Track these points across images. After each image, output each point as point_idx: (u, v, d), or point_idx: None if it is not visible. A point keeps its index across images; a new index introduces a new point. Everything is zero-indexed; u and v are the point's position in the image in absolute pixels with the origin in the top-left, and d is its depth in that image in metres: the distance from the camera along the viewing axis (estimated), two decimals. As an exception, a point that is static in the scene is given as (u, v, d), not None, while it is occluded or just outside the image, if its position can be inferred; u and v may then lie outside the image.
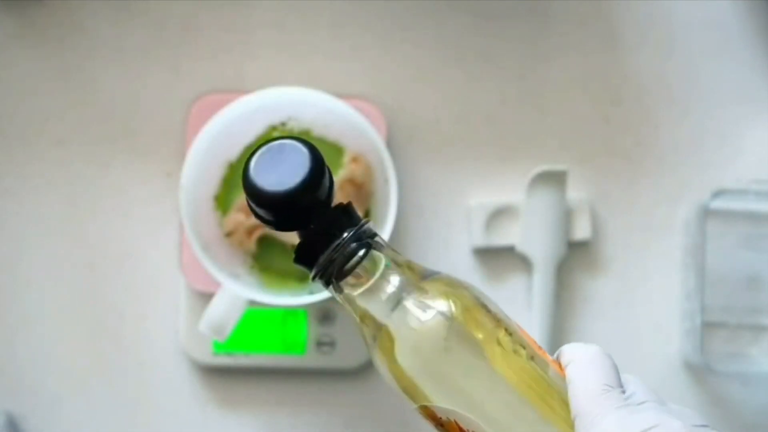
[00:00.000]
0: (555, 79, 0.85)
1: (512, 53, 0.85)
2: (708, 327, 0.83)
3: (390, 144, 0.82)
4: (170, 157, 0.82)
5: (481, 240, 0.83)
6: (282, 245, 0.76)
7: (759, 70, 0.86)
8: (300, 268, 0.75)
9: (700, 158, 0.85)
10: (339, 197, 0.73)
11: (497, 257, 0.84)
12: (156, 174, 0.83)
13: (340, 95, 0.76)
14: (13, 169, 0.82)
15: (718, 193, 0.81)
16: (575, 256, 0.84)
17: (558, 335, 0.83)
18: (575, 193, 0.83)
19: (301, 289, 0.75)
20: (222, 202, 0.77)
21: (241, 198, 0.76)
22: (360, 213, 0.73)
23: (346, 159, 0.76)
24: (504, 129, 0.84)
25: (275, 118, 0.76)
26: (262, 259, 0.77)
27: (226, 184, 0.77)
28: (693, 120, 0.85)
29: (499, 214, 0.83)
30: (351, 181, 0.76)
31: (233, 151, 0.77)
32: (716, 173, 0.85)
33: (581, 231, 0.83)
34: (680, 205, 0.85)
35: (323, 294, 0.72)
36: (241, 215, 0.76)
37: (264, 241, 0.77)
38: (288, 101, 0.75)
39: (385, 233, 0.72)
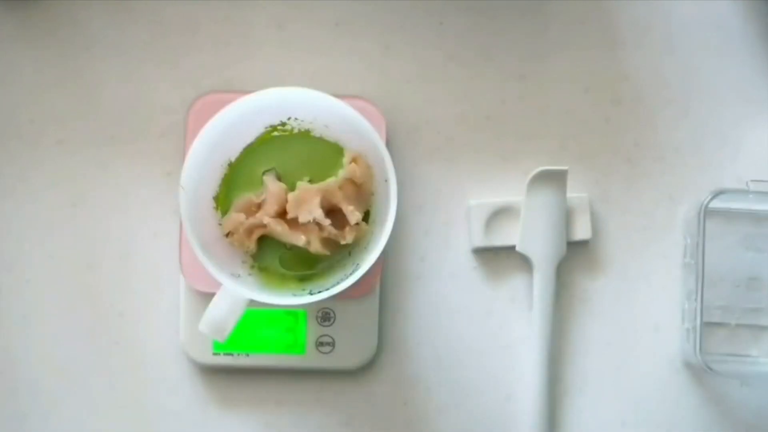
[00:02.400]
0: (555, 79, 0.85)
1: (512, 53, 0.85)
2: (708, 327, 0.83)
3: (390, 144, 0.82)
4: (170, 157, 0.82)
5: (481, 240, 0.83)
6: (282, 246, 0.76)
7: (759, 70, 0.86)
8: (299, 269, 0.75)
9: (700, 158, 0.85)
10: (339, 197, 0.74)
11: (497, 257, 0.84)
12: (156, 174, 0.83)
13: (340, 95, 0.76)
14: (13, 169, 0.82)
15: (718, 193, 0.81)
16: (575, 256, 0.84)
17: (558, 335, 0.83)
18: (575, 193, 0.83)
19: (301, 290, 0.75)
20: (222, 202, 0.77)
21: (241, 198, 0.76)
22: (360, 213, 0.73)
23: (346, 159, 0.76)
24: (504, 129, 0.84)
25: (275, 118, 0.76)
26: (262, 259, 0.77)
27: (226, 184, 0.77)
28: (693, 120, 0.85)
29: (499, 214, 0.83)
30: (351, 181, 0.75)
31: (233, 151, 0.77)
32: (716, 173, 0.85)
33: (581, 231, 0.83)
34: (680, 205, 0.85)
35: (323, 294, 0.72)
36: (241, 215, 0.76)
37: (264, 241, 0.77)
38: (288, 101, 0.75)
39: (385, 233, 0.72)
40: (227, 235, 0.76)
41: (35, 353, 0.82)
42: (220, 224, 0.76)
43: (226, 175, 0.77)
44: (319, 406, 0.83)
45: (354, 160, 0.76)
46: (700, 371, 0.83)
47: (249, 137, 0.77)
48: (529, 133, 0.85)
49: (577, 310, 0.84)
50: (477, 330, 0.83)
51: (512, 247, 0.83)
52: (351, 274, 0.72)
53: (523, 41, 0.85)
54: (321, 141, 0.77)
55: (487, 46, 0.85)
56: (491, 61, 0.85)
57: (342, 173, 0.76)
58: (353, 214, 0.74)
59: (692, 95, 0.86)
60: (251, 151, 0.77)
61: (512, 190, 0.83)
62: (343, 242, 0.75)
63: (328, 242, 0.75)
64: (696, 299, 0.81)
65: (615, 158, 0.85)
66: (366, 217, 0.76)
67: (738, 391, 0.84)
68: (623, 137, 0.85)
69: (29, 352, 0.82)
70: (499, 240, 0.83)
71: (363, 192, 0.76)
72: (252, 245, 0.76)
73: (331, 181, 0.75)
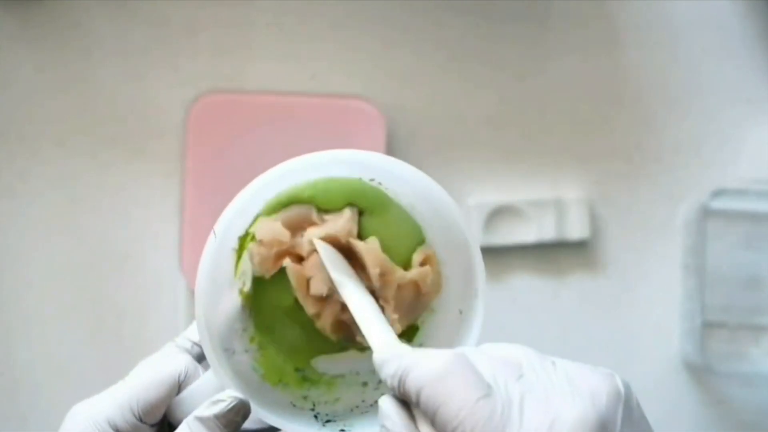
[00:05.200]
0: (555, 80, 0.85)
1: (512, 53, 0.85)
2: (708, 327, 0.83)
3: (390, 144, 0.82)
4: (170, 157, 0.82)
5: (480, 240, 0.83)
6: (299, 317, 0.57)
7: (759, 70, 0.86)
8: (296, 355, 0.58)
9: (700, 158, 0.85)
10: (390, 295, 0.56)
11: (497, 257, 0.84)
12: (156, 174, 0.83)
13: (340, 95, 0.76)
14: (14, 169, 0.83)
15: (718, 193, 0.81)
16: (575, 256, 0.84)
17: (558, 335, 0.83)
18: (575, 192, 0.83)
19: (302, 397, 0.58)
20: (243, 242, 0.57)
21: (297, 209, 0.57)
22: (401, 326, 0.56)
23: (416, 255, 0.57)
24: (504, 129, 0.84)
25: (368, 175, 0.57)
26: (267, 332, 0.58)
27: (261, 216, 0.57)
28: (693, 120, 0.85)
29: (498, 214, 0.83)
30: (415, 284, 0.56)
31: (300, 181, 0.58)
32: (716, 173, 0.85)
33: (579, 230, 0.83)
34: (680, 205, 0.85)
35: (330, 431, 0.56)
36: (285, 232, 0.56)
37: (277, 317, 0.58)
38: (387, 170, 0.58)
39: None
40: (256, 240, 0.56)
41: (35, 353, 0.82)
42: (234, 270, 0.57)
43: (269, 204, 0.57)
44: (319, 406, 0.83)
45: (427, 260, 0.57)
46: (700, 371, 0.83)
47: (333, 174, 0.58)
48: (529, 133, 0.84)
49: (577, 310, 0.84)
50: (477, 330, 0.83)
51: (512, 247, 0.83)
52: (374, 403, 0.56)
53: (523, 42, 0.85)
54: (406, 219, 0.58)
55: (487, 46, 0.85)
56: (491, 62, 0.85)
57: (412, 273, 0.56)
58: (393, 325, 0.55)
59: (692, 95, 0.85)
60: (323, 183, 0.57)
61: (512, 190, 0.83)
62: (358, 339, 0.56)
63: (339, 326, 0.57)
64: (696, 299, 0.81)
65: (615, 158, 0.85)
66: (412, 333, 0.58)
67: (738, 391, 0.84)
68: (623, 138, 0.85)
69: (30, 352, 0.82)
70: (499, 239, 0.83)
71: (420, 303, 0.57)
72: (272, 270, 0.56)
73: (398, 274, 0.56)
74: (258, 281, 0.56)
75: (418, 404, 0.47)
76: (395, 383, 0.49)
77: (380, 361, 0.50)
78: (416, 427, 0.48)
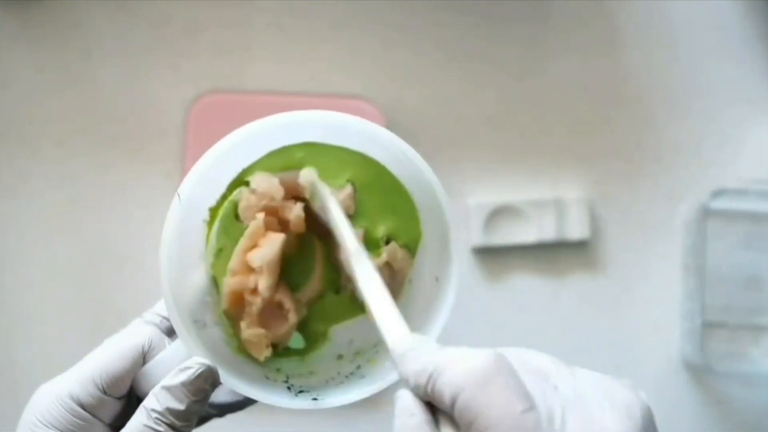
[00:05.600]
0: (555, 80, 0.85)
1: (512, 54, 0.85)
2: (708, 327, 0.83)
3: (390, 144, 0.82)
4: (170, 157, 0.82)
5: (480, 240, 0.83)
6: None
7: (759, 70, 0.86)
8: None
9: (700, 158, 0.85)
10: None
11: (497, 257, 0.84)
12: (156, 174, 0.83)
13: (340, 95, 0.76)
14: (14, 169, 0.83)
15: (718, 193, 0.81)
16: (575, 256, 0.84)
17: (558, 335, 0.83)
18: (575, 192, 0.83)
19: (275, 369, 0.57)
20: (214, 214, 0.55)
21: (292, 175, 0.55)
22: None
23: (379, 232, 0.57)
24: (504, 129, 0.84)
25: (351, 142, 0.58)
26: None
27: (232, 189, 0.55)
28: (693, 120, 0.85)
29: (498, 214, 0.83)
30: (388, 266, 0.56)
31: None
32: (716, 173, 0.85)
33: (579, 230, 0.83)
34: (680, 205, 0.85)
35: (302, 401, 0.57)
36: (281, 189, 0.54)
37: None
38: (366, 135, 0.58)
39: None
40: (246, 184, 0.55)
41: (35, 353, 0.82)
42: (206, 242, 0.55)
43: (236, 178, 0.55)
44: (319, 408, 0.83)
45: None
46: (700, 371, 0.83)
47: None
48: (529, 133, 0.85)
49: (577, 310, 0.84)
50: (477, 330, 0.83)
51: (512, 247, 0.83)
52: (350, 375, 0.57)
53: (523, 42, 0.85)
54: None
55: (487, 46, 0.85)
56: (491, 62, 0.85)
57: (382, 256, 0.56)
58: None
59: (692, 95, 0.85)
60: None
61: (512, 190, 0.83)
62: (242, 323, 0.54)
63: (236, 299, 0.54)
64: (696, 299, 0.81)
65: (615, 158, 0.85)
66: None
67: (738, 391, 0.84)
68: (623, 137, 0.85)
69: (30, 352, 0.82)
70: (499, 239, 0.83)
71: (397, 281, 0.57)
72: (251, 221, 0.54)
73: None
74: (230, 231, 0.54)
75: (452, 409, 0.43)
76: (421, 381, 0.45)
77: (399, 355, 0.47)
78: (438, 428, 0.44)
